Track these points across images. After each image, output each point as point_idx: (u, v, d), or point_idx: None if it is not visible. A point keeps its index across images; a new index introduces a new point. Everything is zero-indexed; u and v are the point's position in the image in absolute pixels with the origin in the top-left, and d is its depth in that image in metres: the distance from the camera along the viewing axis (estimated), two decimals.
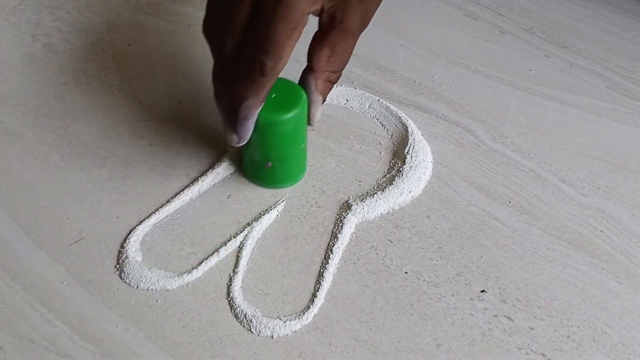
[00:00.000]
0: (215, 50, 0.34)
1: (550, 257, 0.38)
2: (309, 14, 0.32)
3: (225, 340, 0.34)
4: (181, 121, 0.45)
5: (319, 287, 0.36)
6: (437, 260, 0.38)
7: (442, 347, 0.34)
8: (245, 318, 0.34)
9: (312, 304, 0.35)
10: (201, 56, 0.50)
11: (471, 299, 0.36)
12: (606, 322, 0.35)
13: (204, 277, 0.36)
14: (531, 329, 0.35)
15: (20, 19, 0.53)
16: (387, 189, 0.40)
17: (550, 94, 0.49)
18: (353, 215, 0.39)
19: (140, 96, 0.47)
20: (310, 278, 0.36)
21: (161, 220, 0.39)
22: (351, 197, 0.40)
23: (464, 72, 0.50)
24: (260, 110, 0.35)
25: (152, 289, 0.35)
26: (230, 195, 0.41)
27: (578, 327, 0.35)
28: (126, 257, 0.37)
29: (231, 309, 0.35)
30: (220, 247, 0.37)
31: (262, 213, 0.39)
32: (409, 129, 0.44)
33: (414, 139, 0.43)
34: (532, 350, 0.34)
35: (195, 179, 0.41)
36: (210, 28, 0.34)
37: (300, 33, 0.32)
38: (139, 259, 0.37)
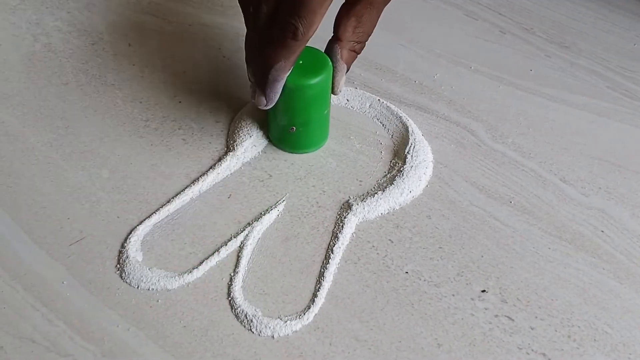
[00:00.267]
0: (250, 18, 0.36)
1: (550, 257, 0.38)
2: None
3: (226, 340, 0.34)
4: (182, 121, 0.45)
5: (319, 287, 0.36)
6: (437, 260, 0.38)
7: (442, 347, 0.34)
8: (246, 318, 0.34)
9: (312, 304, 0.35)
10: (202, 56, 0.50)
11: (472, 299, 0.36)
12: (607, 322, 0.35)
13: (205, 277, 0.36)
14: (532, 328, 0.35)
15: (21, 19, 0.53)
16: (387, 188, 0.40)
17: (551, 94, 0.49)
18: (354, 215, 0.39)
19: (141, 96, 0.47)
20: (311, 278, 0.36)
21: (162, 220, 0.39)
22: (352, 197, 0.40)
23: (464, 72, 0.50)
24: (288, 75, 0.37)
25: (152, 289, 0.35)
26: (230, 195, 0.41)
27: (579, 327, 0.35)
28: (127, 256, 0.37)
29: (232, 308, 0.35)
30: (221, 246, 0.37)
31: (263, 213, 0.39)
32: (410, 129, 0.44)
33: (414, 139, 0.43)
34: (532, 350, 0.34)
35: (196, 179, 0.41)
36: None
37: (331, 2, 0.34)
38: (140, 258, 0.37)
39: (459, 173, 0.42)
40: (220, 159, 0.42)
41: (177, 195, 0.40)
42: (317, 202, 0.40)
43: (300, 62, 0.38)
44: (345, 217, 0.39)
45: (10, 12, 0.53)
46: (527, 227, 0.39)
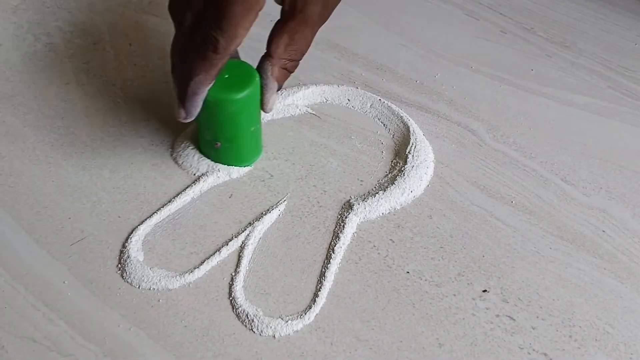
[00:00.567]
0: (176, 24, 0.35)
1: (552, 257, 0.38)
2: None
3: (227, 340, 0.34)
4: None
5: (320, 287, 0.36)
6: (438, 260, 0.38)
7: (444, 346, 0.34)
8: (247, 318, 0.34)
9: (313, 304, 0.35)
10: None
11: (473, 299, 0.36)
12: (608, 321, 0.35)
13: (206, 277, 0.36)
14: (533, 328, 0.35)
15: (22, 19, 0.53)
16: (388, 188, 0.40)
17: (552, 94, 0.49)
18: (355, 214, 0.39)
19: (142, 96, 0.47)
20: (312, 278, 0.36)
21: (163, 219, 0.39)
22: (353, 197, 0.40)
23: (465, 71, 0.50)
24: (211, 89, 0.36)
25: (153, 289, 0.35)
26: (231, 194, 0.41)
27: (580, 326, 0.35)
28: (128, 256, 0.37)
29: (233, 308, 0.35)
30: (222, 246, 0.37)
31: (264, 213, 0.39)
32: (411, 129, 0.44)
33: (415, 139, 0.43)
34: (534, 350, 0.34)
35: (197, 179, 0.41)
36: (174, 2, 0.35)
37: (257, 15, 0.33)
38: (141, 258, 0.37)
39: (460, 173, 0.42)
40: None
41: (178, 195, 0.40)
42: (318, 202, 0.40)
43: (226, 75, 0.37)
44: (346, 217, 0.39)
45: (12, 12, 0.53)
46: (528, 227, 0.39)
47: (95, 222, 0.39)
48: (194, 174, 0.41)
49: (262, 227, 0.39)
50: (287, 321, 0.34)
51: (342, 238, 0.38)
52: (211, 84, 0.35)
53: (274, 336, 0.34)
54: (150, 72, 0.48)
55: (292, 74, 0.39)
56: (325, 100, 0.47)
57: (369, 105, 0.47)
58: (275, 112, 0.46)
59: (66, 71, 0.48)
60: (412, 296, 0.36)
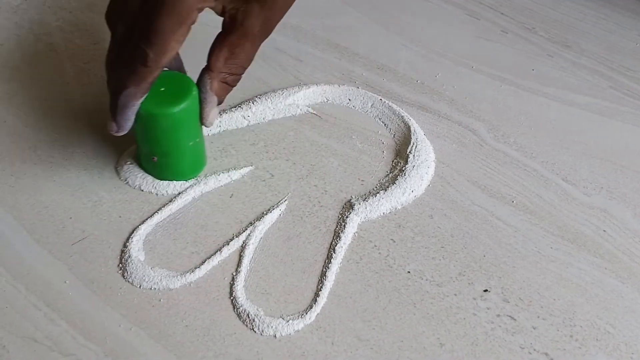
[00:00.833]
0: (111, 35, 0.35)
1: (553, 257, 0.38)
2: (198, 10, 0.32)
3: (228, 340, 0.34)
4: None
5: (321, 287, 0.36)
6: (439, 260, 0.38)
7: (444, 346, 0.34)
8: (248, 317, 0.34)
9: (314, 304, 0.35)
10: (203, 55, 0.50)
11: (474, 299, 0.36)
12: (609, 321, 0.35)
13: (207, 277, 0.36)
14: (534, 328, 0.35)
15: (23, 19, 0.53)
16: (389, 188, 0.40)
17: (553, 94, 0.49)
18: (355, 214, 0.39)
19: None
20: (313, 277, 0.36)
21: (164, 219, 0.39)
22: (354, 197, 0.40)
23: (466, 71, 0.50)
24: (144, 102, 0.35)
25: (154, 288, 0.35)
26: (232, 194, 0.41)
27: (581, 326, 0.35)
28: (129, 256, 0.37)
29: (234, 308, 0.35)
30: (223, 246, 0.37)
31: (265, 212, 0.39)
32: (412, 129, 0.44)
33: (416, 139, 0.43)
34: (534, 349, 0.34)
35: (198, 179, 0.41)
36: (110, 11, 0.34)
37: (188, 29, 0.33)
38: (142, 258, 0.37)
39: (461, 173, 0.42)
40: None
41: (179, 194, 0.40)
42: (319, 202, 0.40)
43: (162, 88, 0.36)
44: (347, 217, 0.39)
45: (13, 12, 0.54)
46: (529, 226, 0.39)
47: (96, 222, 0.39)
48: (140, 189, 0.40)
49: (263, 226, 0.39)
50: (288, 321, 0.34)
51: (343, 238, 0.38)
52: (142, 98, 0.34)
53: (275, 336, 0.34)
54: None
55: (233, 87, 0.38)
56: (326, 100, 0.47)
57: (369, 105, 0.47)
58: (276, 112, 0.46)
59: (67, 71, 0.48)
60: (413, 296, 0.36)
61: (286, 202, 0.40)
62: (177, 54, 0.39)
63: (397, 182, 0.41)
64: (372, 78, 0.49)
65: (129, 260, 0.36)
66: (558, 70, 0.51)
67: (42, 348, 0.33)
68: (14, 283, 0.35)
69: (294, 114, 0.46)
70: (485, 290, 0.36)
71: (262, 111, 0.45)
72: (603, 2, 0.58)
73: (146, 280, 0.36)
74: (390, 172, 0.42)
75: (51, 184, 0.41)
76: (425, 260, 0.37)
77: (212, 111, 0.37)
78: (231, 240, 0.38)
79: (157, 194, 0.40)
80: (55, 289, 0.35)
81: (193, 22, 0.33)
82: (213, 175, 0.41)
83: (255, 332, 0.34)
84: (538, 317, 0.35)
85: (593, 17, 0.57)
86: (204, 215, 0.39)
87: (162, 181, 0.40)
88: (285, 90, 0.47)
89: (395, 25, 0.55)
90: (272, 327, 0.34)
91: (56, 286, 0.35)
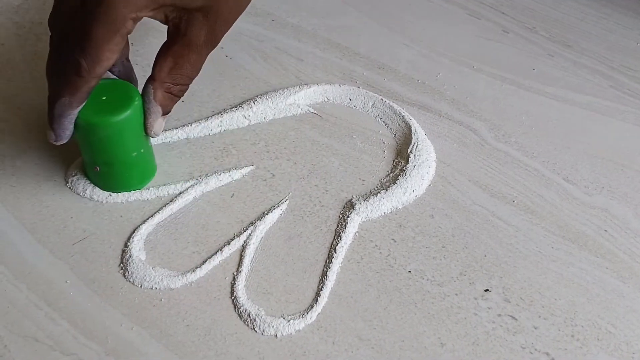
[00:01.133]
0: (49, 42, 0.34)
1: (554, 257, 0.38)
2: (133, 19, 0.32)
3: (229, 339, 0.34)
4: (184, 120, 0.45)
5: (322, 286, 0.36)
6: (440, 260, 0.38)
7: (445, 346, 0.34)
8: (249, 317, 0.34)
9: (315, 303, 0.35)
10: None
11: (475, 298, 0.36)
12: (610, 321, 0.35)
13: (208, 276, 0.36)
14: (535, 328, 0.35)
15: (24, 19, 0.53)
16: (390, 188, 0.40)
17: (554, 93, 0.49)
18: (356, 214, 0.39)
19: None
20: (314, 277, 0.36)
21: (165, 219, 0.39)
22: (355, 196, 0.40)
23: (467, 71, 0.50)
24: (83, 111, 0.34)
25: (155, 288, 0.35)
26: (233, 194, 0.41)
27: (582, 326, 0.35)
28: (130, 256, 0.37)
29: (235, 308, 0.35)
30: (224, 246, 0.37)
31: (266, 212, 0.39)
32: (413, 128, 0.44)
33: (417, 138, 0.43)
34: (536, 349, 0.34)
35: (199, 178, 0.41)
36: (50, 17, 0.34)
37: (123, 38, 0.32)
38: (143, 258, 0.37)
39: (462, 172, 0.42)
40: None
41: (180, 194, 0.40)
42: (320, 202, 0.40)
43: (104, 97, 0.35)
44: (348, 217, 0.39)
45: (14, 11, 0.54)
46: (530, 226, 0.39)
47: (97, 222, 0.39)
48: (89, 198, 0.40)
49: (264, 226, 0.39)
50: (289, 320, 0.34)
51: (344, 237, 0.38)
52: (79, 107, 0.34)
53: (276, 335, 0.34)
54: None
55: (179, 97, 0.37)
56: (326, 100, 0.47)
57: (370, 104, 0.47)
58: (277, 112, 0.46)
59: None
60: (414, 296, 0.36)
61: (287, 201, 0.40)
62: (128, 60, 0.38)
63: (398, 181, 0.41)
64: (373, 78, 0.49)
65: (130, 260, 0.36)
66: (559, 70, 0.51)
67: (43, 347, 0.33)
68: (15, 282, 0.35)
69: (294, 113, 0.46)
70: (486, 290, 0.36)
71: (263, 111, 0.45)
72: (604, 2, 0.58)
73: (147, 279, 0.36)
74: (391, 172, 0.42)
75: (52, 184, 0.41)
76: (426, 260, 0.37)
77: (156, 122, 0.37)
78: (232, 239, 0.38)
79: (104, 202, 0.40)
80: (57, 289, 0.35)
81: (129, 32, 0.32)
82: (214, 174, 0.41)
83: (256, 331, 0.34)
84: (539, 316, 0.35)
85: (594, 16, 0.57)
86: (205, 214, 0.39)
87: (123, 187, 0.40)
88: (286, 89, 0.47)
89: (396, 24, 0.55)
90: (273, 326, 0.34)
91: (57, 286, 0.35)
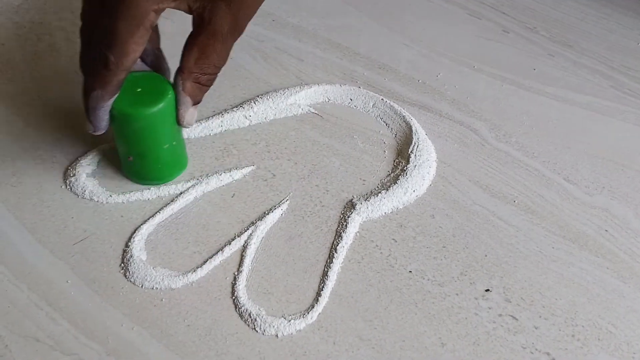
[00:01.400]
0: (80, 37, 0.35)
1: (554, 257, 0.38)
2: (155, 12, 0.32)
3: (230, 339, 0.34)
4: None
5: (323, 286, 0.36)
6: (441, 260, 0.38)
7: (446, 346, 0.34)
8: (250, 317, 0.34)
9: (316, 303, 0.35)
10: None
11: (475, 298, 0.36)
12: (611, 321, 0.35)
13: (209, 276, 0.36)
14: (536, 328, 0.35)
15: (24, 19, 0.53)
16: (391, 188, 0.40)
17: (554, 93, 0.49)
18: (357, 214, 0.39)
19: None
20: (315, 277, 0.36)
21: (166, 219, 0.39)
22: (355, 196, 0.40)
23: (467, 71, 0.50)
24: (118, 102, 0.35)
25: (156, 288, 0.35)
26: (234, 194, 0.41)
27: (583, 326, 0.35)
28: (131, 256, 0.37)
29: (236, 307, 0.35)
30: (225, 246, 0.37)
31: (267, 212, 0.39)
32: (413, 128, 0.44)
33: (418, 138, 0.43)
34: (536, 349, 0.34)
35: (200, 179, 0.41)
36: (81, 14, 0.35)
37: (147, 30, 0.33)
38: (144, 258, 0.37)
39: (463, 172, 0.42)
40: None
41: (181, 194, 0.40)
42: (321, 202, 0.40)
43: (139, 89, 0.36)
44: (349, 217, 0.39)
45: (14, 11, 0.54)
46: (530, 226, 0.39)
47: (98, 222, 0.39)
48: (90, 198, 0.40)
49: (264, 226, 0.39)
50: (289, 320, 0.34)
51: (344, 237, 0.38)
52: (111, 99, 0.35)
53: (277, 335, 0.34)
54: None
55: (208, 87, 0.37)
56: (327, 100, 0.47)
57: (371, 104, 0.47)
58: (277, 112, 0.46)
59: (68, 71, 0.48)
60: (415, 295, 0.36)
61: (288, 201, 0.40)
62: (159, 50, 0.39)
63: (398, 181, 0.41)
64: (373, 78, 0.49)
65: (130, 260, 0.36)
66: (559, 70, 0.51)
67: (44, 347, 0.33)
68: (16, 282, 0.35)
69: (295, 113, 0.46)
70: (487, 290, 0.36)
71: (264, 111, 0.45)
72: (604, 2, 0.58)
73: (148, 279, 0.36)
74: (391, 172, 0.42)
75: (53, 184, 0.41)
76: (426, 260, 0.37)
77: (187, 112, 0.37)
78: (233, 239, 0.38)
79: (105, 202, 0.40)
80: (57, 289, 0.35)
81: (152, 24, 0.33)
82: (215, 174, 0.41)
83: (257, 331, 0.34)
84: (540, 316, 0.35)
85: (594, 16, 0.57)
86: (206, 215, 0.39)
87: (105, 189, 0.40)
88: (286, 90, 0.47)
89: (396, 25, 0.55)
90: (273, 326, 0.34)
91: (58, 286, 0.35)
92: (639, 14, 0.57)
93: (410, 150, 0.43)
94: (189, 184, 0.41)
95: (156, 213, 0.39)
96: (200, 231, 0.38)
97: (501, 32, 0.54)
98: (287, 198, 0.40)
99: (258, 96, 0.46)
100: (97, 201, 0.39)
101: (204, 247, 0.38)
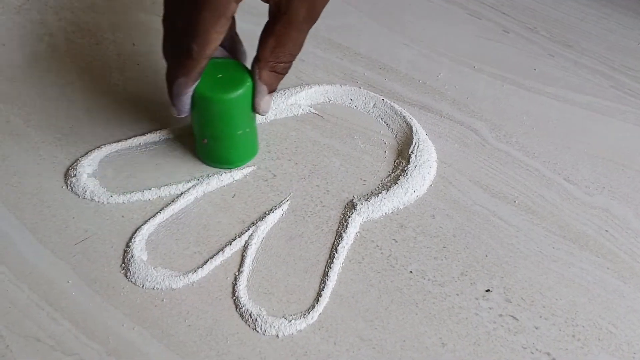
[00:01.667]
0: (163, 26, 0.36)
1: (554, 257, 0.38)
2: (236, 1, 0.33)
3: (231, 339, 0.34)
4: (185, 120, 0.45)
5: (323, 287, 0.36)
6: (441, 260, 0.38)
7: (447, 346, 0.34)
8: (251, 317, 0.34)
9: (317, 303, 0.35)
10: None
11: (476, 298, 0.36)
12: (611, 321, 0.35)
13: (209, 277, 0.36)
14: (536, 328, 0.35)
15: (25, 19, 0.53)
16: (391, 188, 0.40)
17: (555, 93, 0.49)
18: (358, 214, 0.39)
19: (145, 95, 0.47)
20: (315, 277, 0.37)
21: (166, 219, 0.39)
22: (356, 197, 0.40)
23: (468, 71, 0.50)
24: (200, 86, 0.36)
25: (157, 288, 0.36)
26: (235, 194, 0.41)
27: (583, 326, 0.35)
28: (131, 256, 0.37)
29: (236, 308, 0.35)
30: (225, 246, 0.38)
31: (267, 212, 0.39)
32: (414, 129, 0.44)
33: (418, 139, 0.43)
34: (537, 349, 0.34)
35: (200, 179, 0.41)
36: (164, 9, 0.36)
37: (228, 20, 0.34)
38: (145, 258, 0.37)
39: (463, 172, 0.42)
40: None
41: (181, 194, 0.40)
42: (321, 202, 0.40)
43: (220, 75, 0.37)
44: (349, 217, 0.39)
45: (15, 12, 0.54)
46: (531, 226, 0.39)
47: (98, 222, 0.39)
48: (90, 198, 0.40)
49: (265, 226, 0.39)
50: (290, 321, 0.34)
51: (345, 238, 0.38)
52: (194, 85, 0.36)
53: (278, 335, 0.34)
54: (153, 72, 0.48)
55: (284, 75, 0.38)
56: (327, 100, 0.47)
57: (371, 105, 0.47)
58: (278, 112, 0.46)
59: (69, 71, 0.48)
60: (415, 296, 0.36)
61: (288, 202, 0.40)
62: (236, 34, 0.40)
63: (399, 182, 0.41)
64: (373, 78, 0.49)
65: (131, 260, 0.36)
66: (559, 70, 0.51)
67: (44, 347, 0.33)
68: (16, 282, 0.36)
69: (296, 114, 0.46)
70: (487, 290, 0.36)
71: None
72: (604, 2, 0.58)
73: (149, 280, 0.36)
74: (392, 172, 0.42)
75: (54, 184, 0.41)
76: (427, 260, 0.37)
77: (262, 100, 0.38)
78: (233, 240, 0.38)
79: (99, 201, 0.40)
80: (58, 289, 0.35)
81: (233, 13, 0.34)
82: (215, 175, 0.41)
83: (257, 331, 0.34)
84: (540, 317, 0.35)
85: (594, 16, 0.57)
86: (207, 215, 0.39)
87: (106, 189, 0.40)
88: (287, 90, 0.47)
89: (396, 25, 0.55)
90: (274, 327, 0.34)
91: (59, 286, 0.35)
92: (639, 14, 0.57)
93: (410, 151, 0.43)
94: (190, 184, 0.41)
95: (157, 213, 0.39)
96: (201, 231, 0.38)
97: (501, 32, 0.54)
98: (287, 198, 0.40)
99: None
100: (98, 201, 0.40)
101: (204, 247, 0.38)
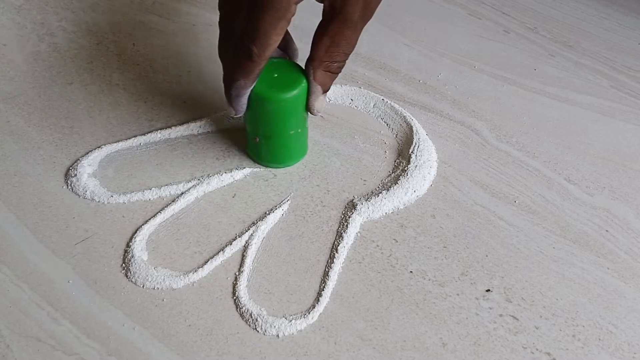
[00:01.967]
0: (219, 28, 0.36)
1: (555, 257, 0.38)
2: (296, 3, 0.33)
3: (231, 339, 0.34)
4: (186, 120, 0.45)
5: (324, 286, 0.36)
6: (442, 260, 0.38)
7: (447, 346, 0.34)
8: (251, 317, 0.34)
9: (317, 303, 0.35)
10: (206, 55, 0.50)
11: (476, 298, 0.36)
12: (611, 321, 0.35)
13: (210, 276, 0.36)
14: (536, 328, 0.35)
15: (25, 19, 0.53)
16: (392, 188, 0.40)
17: (555, 93, 0.49)
18: (358, 214, 0.39)
19: (145, 96, 0.47)
20: (316, 277, 0.37)
21: (167, 219, 0.39)
22: (356, 197, 0.40)
23: (468, 71, 0.50)
24: (258, 85, 0.37)
25: (157, 288, 0.36)
26: (235, 194, 0.41)
27: (583, 326, 0.35)
28: (132, 256, 0.37)
29: (237, 308, 0.35)
30: (226, 246, 0.38)
31: (267, 212, 0.39)
32: (414, 129, 0.44)
33: (418, 138, 0.43)
34: (537, 349, 0.34)
35: (201, 179, 0.41)
36: (220, 11, 0.36)
37: (288, 22, 0.34)
38: (145, 258, 0.37)
39: (463, 172, 0.42)
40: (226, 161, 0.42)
41: (182, 194, 0.40)
42: (322, 202, 0.40)
43: (275, 75, 0.37)
44: (349, 217, 0.39)
45: (15, 12, 0.54)
46: (531, 226, 0.39)
47: (99, 222, 0.39)
48: (91, 198, 0.40)
49: (265, 226, 0.39)
50: (290, 320, 0.34)
51: (345, 238, 0.38)
52: (252, 86, 0.36)
53: (278, 335, 0.34)
54: (153, 72, 0.49)
55: (337, 74, 0.38)
56: (328, 100, 0.47)
57: (372, 105, 0.47)
58: None
59: (69, 71, 0.49)
60: (416, 296, 0.36)
61: (289, 202, 0.40)
62: (288, 33, 0.40)
63: (399, 182, 0.41)
64: (374, 78, 0.49)
65: (132, 260, 0.36)
66: (560, 70, 0.51)
67: (45, 347, 0.33)
68: (17, 282, 0.36)
69: None
70: (488, 290, 0.36)
71: None
72: (605, 2, 0.58)
73: (149, 280, 0.36)
74: (392, 172, 0.42)
75: (54, 184, 0.41)
76: (427, 260, 0.37)
77: (317, 100, 0.38)
78: (234, 240, 0.38)
79: (99, 201, 0.40)
80: (59, 289, 0.35)
81: (292, 16, 0.34)
82: (216, 175, 0.41)
83: (258, 331, 0.34)
84: (540, 317, 0.35)
85: (595, 16, 0.57)
86: (207, 215, 0.39)
87: (105, 190, 0.40)
88: None
89: (397, 24, 0.55)
90: (274, 326, 0.34)
91: (59, 285, 0.36)
92: (639, 14, 0.57)
93: (411, 151, 0.43)
94: (190, 184, 0.41)
95: (157, 213, 0.39)
96: (201, 231, 0.38)
97: (502, 32, 0.54)
98: (288, 198, 0.40)
99: None
100: (99, 201, 0.40)
101: (205, 247, 0.38)
